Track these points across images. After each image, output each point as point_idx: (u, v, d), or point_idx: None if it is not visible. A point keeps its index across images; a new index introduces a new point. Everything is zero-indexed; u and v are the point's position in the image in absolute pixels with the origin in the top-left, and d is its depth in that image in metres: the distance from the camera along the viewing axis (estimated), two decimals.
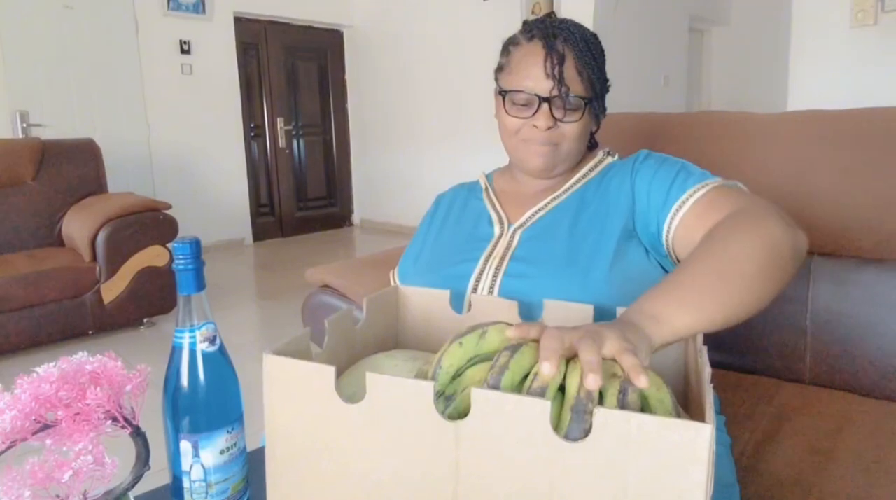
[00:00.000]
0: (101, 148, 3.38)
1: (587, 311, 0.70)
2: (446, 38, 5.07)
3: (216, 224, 5.07)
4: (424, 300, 0.80)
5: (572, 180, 0.94)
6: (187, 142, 4.86)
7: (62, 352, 0.68)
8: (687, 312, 0.57)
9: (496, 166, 1.08)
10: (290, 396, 0.52)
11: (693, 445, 0.39)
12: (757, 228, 0.67)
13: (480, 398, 0.44)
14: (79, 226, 2.99)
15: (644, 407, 0.47)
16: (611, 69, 0.95)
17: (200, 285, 0.57)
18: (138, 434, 0.55)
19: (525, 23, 0.92)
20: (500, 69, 0.93)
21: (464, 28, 4.90)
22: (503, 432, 0.44)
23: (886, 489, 0.80)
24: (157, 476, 0.61)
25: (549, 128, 0.86)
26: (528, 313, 0.76)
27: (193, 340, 0.56)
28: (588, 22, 4.09)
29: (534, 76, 0.86)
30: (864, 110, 1.12)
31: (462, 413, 0.48)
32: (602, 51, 0.91)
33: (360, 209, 6.24)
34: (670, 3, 4.95)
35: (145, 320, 3.12)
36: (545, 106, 0.85)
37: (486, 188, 1.01)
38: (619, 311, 0.67)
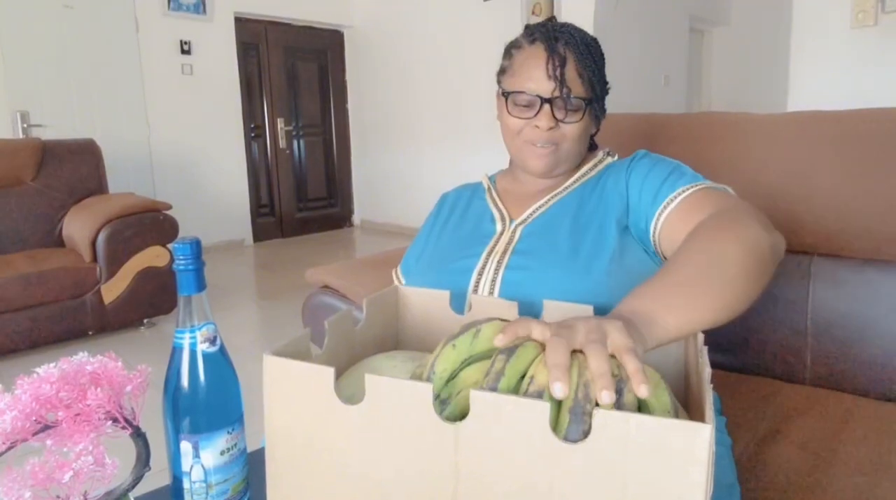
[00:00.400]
0: (101, 148, 3.38)
1: (587, 311, 0.70)
2: (446, 38, 5.07)
3: (216, 225, 5.07)
4: (424, 301, 0.80)
5: (573, 179, 0.96)
6: (187, 142, 4.86)
7: (62, 352, 0.68)
8: (677, 313, 0.58)
9: (496, 166, 1.09)
10: (289, 397, 0.52)
11: (693, 445, 0.39)
12: (738, 229, 0.69)
13: (479, 400, 0.44)
14: (79, 226, 2.99)
15: (641, 405, 0.47)
16: (611, 69, 0.96)
17: (201, 285, 0.57)
18: (139, 435, 0.56)
19: (527, 26, 0.94)
20: (502, 72, 0.96)
21: (464, 28, 4.91)
22: (502, 433, 0.44)
23: (887, 490, 0.80)
24: (158, 477, 0.61)
25: (550, 128, 0.88)
26: (529, 312, 0.76)
27: (194, 340, 0.56)
28: (588, 22, 4.09)
29: (536, 78, 0.88)
30: (864, 111, 1.12)
31: (459, 416, 0.48)
32: (602, 54, 0.93)
33: (361, 210, 6.24)
34: (670, 3, 4.95)
35: (145, 321, 3.12)
36: (546, 107, 0.87)
37: (489, 188, 1.03)
38: None
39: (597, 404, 0.44)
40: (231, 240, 5.22)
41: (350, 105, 6.07)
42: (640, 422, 0.40)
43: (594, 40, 0.92)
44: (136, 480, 0.52)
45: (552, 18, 0.94)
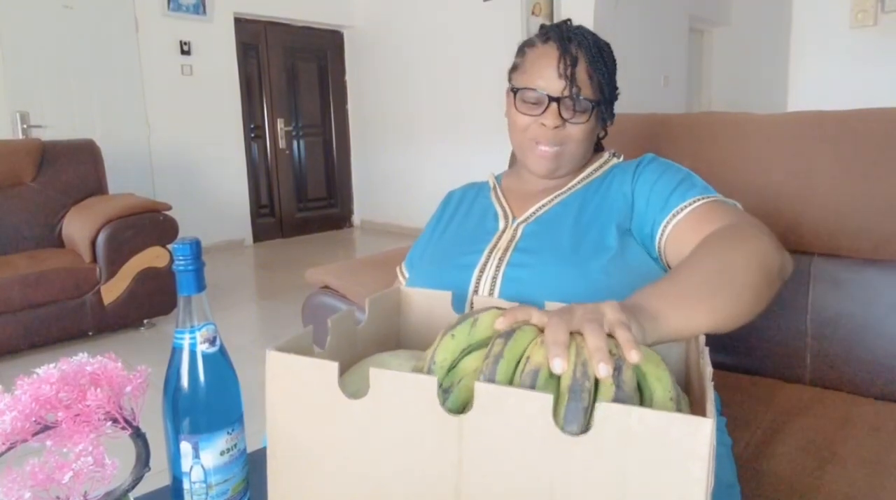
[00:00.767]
0: (101, 148, 3.38)
1: None
2: (446, 38, 5.07)
3: (216, 225, 5.07)
4: (426, 301, 0.80)
5: (577, 179, 0.96)
6: (187, 142, 4.86)
7: (62, 353, 0.68)
8: (681, 314, 0.58)
9: (495, 166, 1.09)
10: (292, 392, 0.52)
11: (693, 439, 0.39)
12: (751, 242, 0.69)
13: (483, 392, 0.44)
14: (79, 227, 2.99)
15: (641, 384, 0.47)
16: None
17: (200, 285, 0.57)
18: (138, 435, 0.56)
19: (542, 26, 0.95)
20: (514, 69, 0.96)
21: (464, 28, 4.91)
22: (505, 426, 0.44)
23: (887, 490, 0.80)
24: (158, 477, 0.61)
25: (556, 127, 0.89)
26: None
27: (193, 341, 0.56)
28: (588, 22, 4.09)
29: (546, 76, 0.88)
30: (864, 110, 1.12)
31: (461, 405, 0.48)
32: (614, 59, 0.94)
33: (360, 210, 6.24)
34: (670, 3, 4.95)
35: (145, 321, 3.12)
36: (554, 105, 0.88)
37: (494, 187, 1.04)
38: None
39: (596, 382, 0.44)
40: (231, 240, 5.22)
41: (350, 105, 6.07)
42: (641, 415, 0.40)
43: (607, 45, 0.93)
44: (136, 480, 0.52)
45: (568, 20, 0.94)
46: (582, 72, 0.88)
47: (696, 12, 5.28)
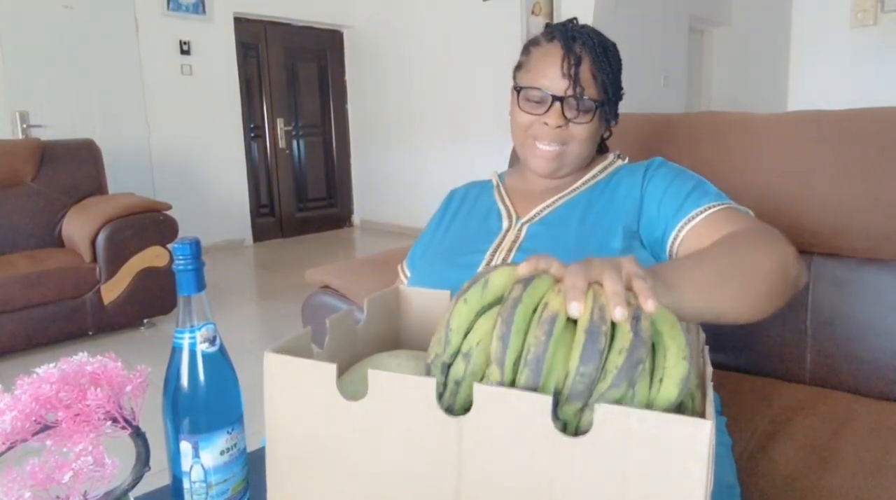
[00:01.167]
0: (101, 148, 3.38)
1: None
2: (446, 38, 5.07)
3: (216, 225, 5.07)
4: (425, 301, 0.80)
5: (581, 180, 0.96)
6: (187, 142, 4.86)
7: (62, 353, 0.68)
8: (696, 290, 0.59)
9: (495, 166, 1.09)
10: (291, 394, 0.52)
11: (693, 440, 0.39)
12: (773, 244, 0.70)
13: (482, 393, 0.44)
14: (79, 226, 2.99)
15: (656, 343, 0.47)
16: None
17: (200, 285, 0.57)
18: (138, 435, 0.55)
19: (547, 25, 0.95)
20: (518, 67, 0.96)
21: (464, 28, 4.91)
22: (505, 426, 0.44)
23: (887, 490, 0.80)
24: (158, 477, 0.61)
25: (558, 126, 0.89)
26: None
27: (193, 340, 0.56)
28: (588, 22, 4.09)
29: (550, 75, 0.88)
30: (864, 110, 1.12)
31: (480, 370, 0.47)
32: (619, 60, 0.93)
33: (360, 210, 6.24)
34: (670, 3, 4.95)
35: (145, 321, 3.12)
36: (557, 105, 0.88)
37: (498, 185, 1.04)
38: None
39: (613, 325, 0.44)
40: (231, 240, 5.22)
41: (350, 105, 6.07)
42: (641, 416, 0.40)
43: (613, 45, 0.92)
44: (136, 480, 0.52)
45: (574, 20, 0.94)
46: (586, 71, 0.88)
47: (696, 12, 5.28)
